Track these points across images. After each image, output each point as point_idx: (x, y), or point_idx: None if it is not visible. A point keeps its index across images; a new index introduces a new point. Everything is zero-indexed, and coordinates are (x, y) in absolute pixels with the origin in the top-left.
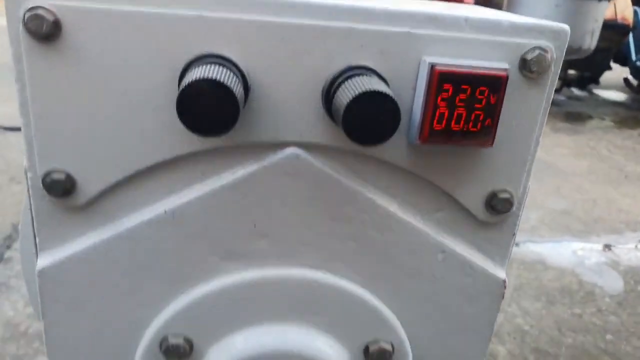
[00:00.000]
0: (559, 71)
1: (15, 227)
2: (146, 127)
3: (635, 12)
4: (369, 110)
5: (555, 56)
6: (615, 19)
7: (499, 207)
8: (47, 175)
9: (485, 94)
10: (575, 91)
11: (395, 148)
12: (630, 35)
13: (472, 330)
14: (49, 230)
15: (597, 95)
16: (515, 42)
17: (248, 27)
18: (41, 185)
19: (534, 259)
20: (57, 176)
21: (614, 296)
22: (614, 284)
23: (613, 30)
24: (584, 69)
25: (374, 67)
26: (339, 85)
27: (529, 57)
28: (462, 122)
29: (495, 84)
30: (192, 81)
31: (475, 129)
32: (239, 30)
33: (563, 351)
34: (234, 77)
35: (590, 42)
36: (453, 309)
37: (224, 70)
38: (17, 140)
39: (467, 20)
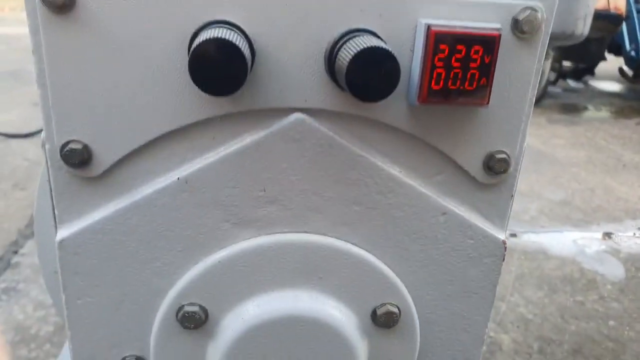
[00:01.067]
0: (549, 32)
1: (21, 233)
2: (159, 95)
3: (628, 2)
4: (370, 66)
5: (545, 16)
6: (608, 9)
7: (497, 167)
8: (64, 146)
9: (480, 54)
10: (571, 83)
11: (396, 110)
12: (624, 25)
13: (475, 293)
14: (67, 202)
15: (592, 87)
16: (507, 3)
17: None
18: (59, 156)
19: (535, 249)
20: (74, 146)
21: (615, 283)
22: (615, 271)
23: (606, 20)
24: (578, 60)
25: (374, 30)
26: (341, 46)
27: (520, 17)
28: (458, 82)
29: (488, 44)
30: (202, 41)
31: (471, 88)
32: None
33: (567, 338)
34: (241, 39)
35: (583, 28)
36: (456, 271)
37: (232, 32)
38: (19, 147)
39: None
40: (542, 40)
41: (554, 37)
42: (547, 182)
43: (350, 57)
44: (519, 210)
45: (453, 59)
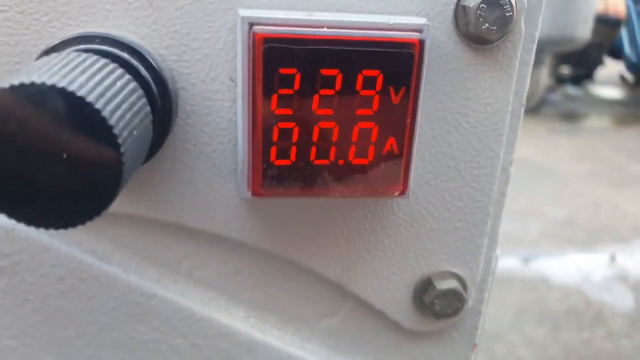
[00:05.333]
0: (535, 39)
1: None
2: None
3: (627, 5)
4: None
5: (520, 7)
6: (608, 12)
7: (440, 305)
8: None
9: (379, 87)
10: (570, 90)
11: (217, 209)
12: (623, 29)
13: None
14: None
15: (592, 93)
16: None
17: None
18: None
19: (536, 278)
20: None
21: (625, 315)
22: (624, 300)
23: (605, 23)
24: (576, 65)
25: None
26: None
27: (471, 3)
28: (332, 149)
29: (399, 63)
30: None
31: (363, 160)
32: None
33: None
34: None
35: (584, 31)
36: None
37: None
38: None
39: None
40: (525, 52)
41: (552, 42)
42: (548, 198)
43: None
44: (517, 232)
45: (317, 99)
